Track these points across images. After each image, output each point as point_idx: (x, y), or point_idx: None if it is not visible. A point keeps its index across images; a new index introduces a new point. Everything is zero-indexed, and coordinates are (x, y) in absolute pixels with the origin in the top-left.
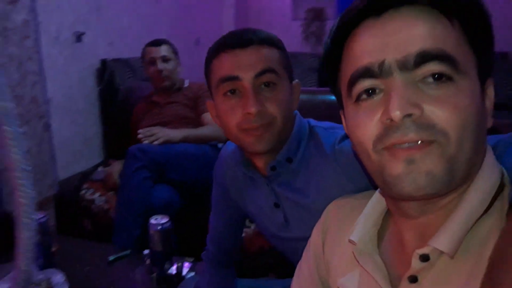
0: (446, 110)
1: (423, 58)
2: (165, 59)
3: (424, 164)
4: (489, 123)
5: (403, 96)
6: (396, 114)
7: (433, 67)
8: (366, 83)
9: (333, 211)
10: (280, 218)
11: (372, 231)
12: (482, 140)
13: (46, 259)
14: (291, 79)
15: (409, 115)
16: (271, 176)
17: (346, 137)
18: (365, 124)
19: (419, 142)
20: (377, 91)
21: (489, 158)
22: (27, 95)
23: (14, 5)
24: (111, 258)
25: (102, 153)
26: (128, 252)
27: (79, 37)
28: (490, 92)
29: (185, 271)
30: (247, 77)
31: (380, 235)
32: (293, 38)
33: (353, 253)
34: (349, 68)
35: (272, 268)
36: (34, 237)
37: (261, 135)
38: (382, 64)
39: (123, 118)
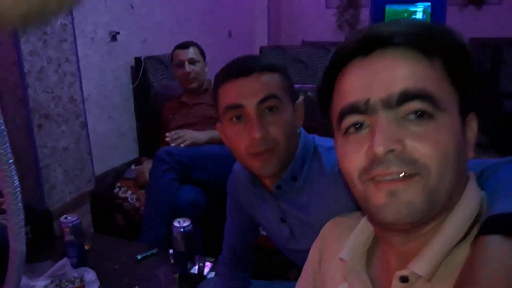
0: (427, 146)
1: (405, 97)
2: (192, 61)
3: (406, 195)
4: (470, 154)
5: (386, 132)
6: (380, 149)
7: (415, 105)
8: (353, 119)
9: (329, 230)
10: (286, 232)
11: (361, 250)
12: (462, 171)
13: (79, 258)
14: (294, 100)
15: (392, 150)
16: (277, 193)
17: None
18: (352, 156)
19: (402, 175)
20: (364, 125)
21: (471, 187)
22: (65, 96)
23: None
24: (139, 256)
25: (136, 148)
26: (155, 250)
27: (114, 36)
28: (473, 124)
29: (206, 270)
30: (250, 104)
31: (371, 253)
32: (327, 27)
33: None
34: (339, 103)
35: (293, 266)
36: (22, 222)
37: (267, 160)
38: (367, 102)
39: (155, 114)
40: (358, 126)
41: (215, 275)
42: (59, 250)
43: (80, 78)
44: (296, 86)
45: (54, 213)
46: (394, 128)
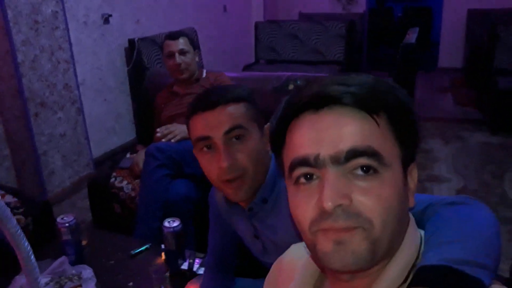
0: (371, 200)
1: (353, 154)
2: (182, 52)
3: (350, 245)
4: (411, 202)
5: (335, 188)
6: (328, 205)
7: (362, 161)
8: (304, 170)
9: (278, 268)
10: (260, 247)
11: (308, 284)
12: (404, 220)
13: (77, 255)
14: (261, 125)
15: (340, 205)
16: (249, 214)
17: None
18: (303, 207)
19: (346, 227)
20: (314, 177)
21: (410, 232)
22: (60, 83)
23: None
24: (133, 252)
25: (133, 128)
26: (148, 245)
27: (106, 19)
28: (414, 174)
29: (196, 267)
30: (217, 136)
31: (319, 286)
32: None
33: None
34: (290, 153)
35: None
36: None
37: (237, 187)
38: (317, 157)
39: (150, 99)
40: (309, 177)
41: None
42: (58, 248)
43: (74, 64)
44: (286, 74)
45: (55, 197)
46: (341, 183)
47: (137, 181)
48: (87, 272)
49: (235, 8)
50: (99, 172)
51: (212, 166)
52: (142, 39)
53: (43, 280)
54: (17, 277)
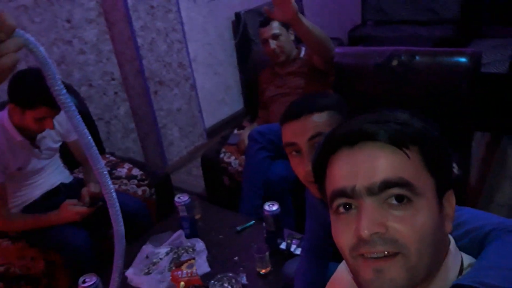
0: (406, 228)
1: (386, 185)
2: (275, 36)
3: (389, 273)
4: (448, 228)
5: (371, 217)
6: (365, 233)
7: (395, 191)
8: (342, 201)
9: (335, 278)
10: None
11: None
12: (441, 245)
13: (191, 229)
14: None
15: (376, 233)
16: None
17: None
18: (343, 235)
19: (386, 253)
20: (352, 206)
21: (450, 257)
22: (174, 62)
23: None
24: (238, 228)
25: (241, 99)
26: (252, 222)
27: None
28: (451, 200)
29: (293, 247)
30: (301, 142)
31: None
32: None
33: None
34: (330, 186)
35: None
36: (118, 209)
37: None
38: (353, 188)
39: (255, 74)
40: (348, 207)
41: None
42: (176, 222)
43: (186, 44)
44: (390, 49)
45: (174, 165)
46: (377, 212)
47: (243, 157)
48: (200, 245)
49: None
50: (210, 147)
51: (299, 168)
52: (248, 12)
53: (164, 249)
54: (144, 246)
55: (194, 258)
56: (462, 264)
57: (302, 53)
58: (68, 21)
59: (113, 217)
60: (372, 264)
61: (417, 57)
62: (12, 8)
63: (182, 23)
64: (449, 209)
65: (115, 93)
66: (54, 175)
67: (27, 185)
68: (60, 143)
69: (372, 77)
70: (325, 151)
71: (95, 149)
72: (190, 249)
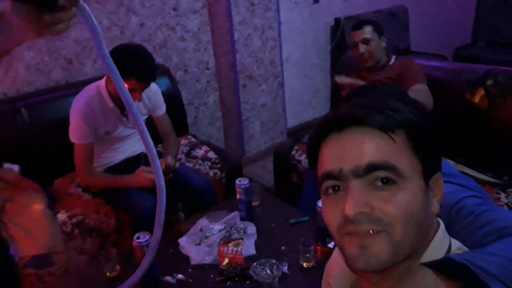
0: (391, 207)
1: (371, 168)
2: (365, 41)
3: (373, 249)
4: (435, 209)
5: (356, 198)
6: (350, 213)
7: (380, 174)
8: (330, 183)
9: (330, 262)
10: None
11: (346, 280)
12: (427, 225)
13: (247, 213)
14: None
15: (361, 212)
16: None
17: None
18: (331, 214)
19: (370, 231)
20: (341, 188)
21: (438, 237)
22: (267, 59)
23: None
24: (292, 221)
25: (328, 104)
26: (306, 218)
27: None
28: (440, 183)
29: None
30: None
31: (356, 286)
32: None
33: None
34: (319, 169)
35: None
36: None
37: None
38: (341, 171)
39: (342, 71)
40: (336, 189)
41: None
42: (234, 204)
43: (280, 42)
44: (485, 67)
45: (251, 158)
46: (362, 193)
47: None
48: (252, 228)
49: None
50: (284, 144)
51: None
52: (348, 18)
53: (218, 226)
54: (200, 220)
55: (242, 239)
56: (450, 247)
57: (392, 61)
58: (175, 9)
59: (154, 170)
60: (357, 240)
61: None
62: None
63: (279, 22)
64: (437, 191)
65: (208, 82)
66: (137, 144)
67: (112, 149)
68: (146, 116)
69: (461, 94)
70: (316, 137)
71: (132, 102)
72: (242, 231)
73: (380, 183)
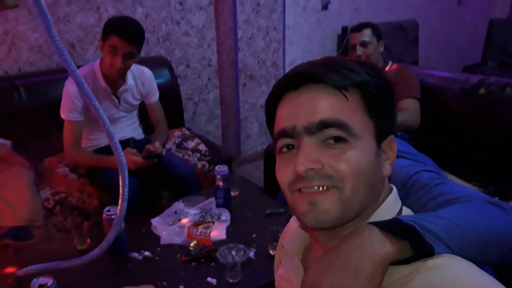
0: (341, 164)
1: (323, 125)
2: (364, 44)
3: (323, 205)
4: (386, 171)
5: (307, 155)
6: (301, 168)
7: (331, 131)
8: (284, 141)
9: (285, 230)
10: None
11: (299, 242)
12: (377, 186)
13: (224, 200)
14: None
15: (312, 169)
16: None
17: None
18: (283, 172)
19: (320, 188)
20: (294, 146)
21: (389, 201)
22: (269, 60)
23: None
24: (268, 211)
25: None
26: (282, 210)
27: (325, 5)
28: (393, 146)
29: None
30: None
31: (309, 249)
32: None
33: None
34: (275, 128)
35: None
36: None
37: None
38: (293, 128)
39: None
40: (290, 147)
41: None
42: (213, 192)
43: (284, 45)
44: (479, 77)
45: (246, 157)
46: (314, 150)
47: None
48: (226, 215)
49: (472, 2)
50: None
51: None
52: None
53: (194, 211)
54: (176, 203)
55: (213, 223)
56: (400, 212)
57: (388, 67)
58: (181, 3)
59: (114, 149)
60: (307, 197)
61: (508, 89)
62: None
63: (284, 25)
64: (389, 153)
65: (209, 78)
66: (128, 129)
67: (101, 131)
68: (139, 101)
69: (456, 102)
70: (273, 96)
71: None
72: (216, 217)
73: (332, 141)
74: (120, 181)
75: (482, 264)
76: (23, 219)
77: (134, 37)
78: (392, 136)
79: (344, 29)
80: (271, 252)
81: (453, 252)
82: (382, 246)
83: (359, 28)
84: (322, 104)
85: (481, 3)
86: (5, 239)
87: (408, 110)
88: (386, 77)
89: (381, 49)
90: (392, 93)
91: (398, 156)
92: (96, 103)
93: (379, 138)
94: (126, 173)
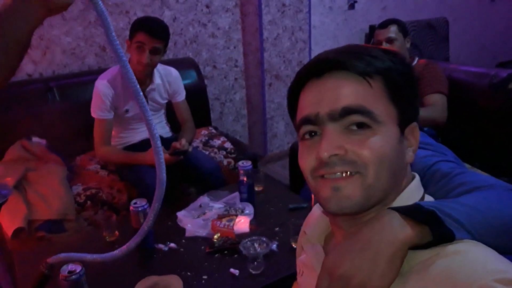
0: (364, 150)
1: (346, 111)
2: (390, 40)
3: (346, 190)
4: (409, 158)
5: (330, 141)
6: (324, 155)
7: (355, 118)
8: (307, 128)
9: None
10: None
11: (321, 229)
12: (400, 172)
13: (248, 195)
14: None
15: (335, 155)
16: None
17: None
18: (306, 158)
19: (343, 174)
20: (317, 133)
21: (411, 187)
22: (295, 60)
23: None
24: (291, 206)
25: None
26: (305, 205)
27: (352, 5)
28: (416, 132)
29: None
30: None
31: (331, 236)
32: None
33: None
34: (298, 115)
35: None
36: (162, 157)
37: None
38: (317, 115)
39: None
40: (313, 134)
41: None
42: (237, 186)
43: (310, 45)
44: (509, 71)
45: (273, 156)
46: (337, 136)
47: None
48: (250, 209)
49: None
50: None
51: None
52: None
53: (218, 205)
54: (201, 197)
55: (237, 216)
56: (423, 199)
57: (415, 62)
58: (207, 6)
59: (157, 163)
60: (331, 183)
61: None
62: None
63: (310, 25)
64: (412, 141)
65: (235, 79)
66: (156, 127)
67: (130, 129)
68: (166, 101)
69: (484, 97)
70: (296, 84)
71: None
72: (240, 211)
73: (355, 127)
74: (157, 180)
75: (502, 251)
76: (57, 213)
77: (159, 32)
78: (415, 123)
79: (372, 28)
80: (293, 245)
81: (474, 237)
82: (402, 231)
83: (385, 24)
84: (346, 90)
85: None
86: (39, 232)
87: (435, 105)
88: (409, 65)
89: (408, 45)
90: (415, 81)
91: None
92: (141, 94)
93: (402, 125)
94: (164, 176)
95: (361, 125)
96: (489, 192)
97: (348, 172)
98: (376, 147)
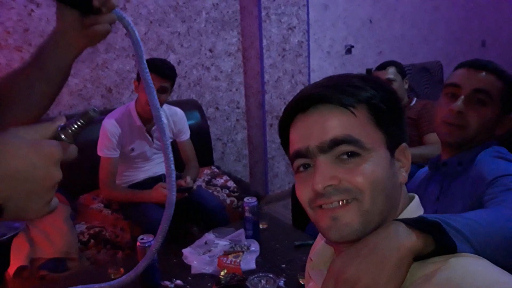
0: (357, 177)
1: (334, 142)
2: (388, 81)
3: (344, 219)
4: (403, 178)
5: (323, 172)
6: (319, 187)
7: (344, 148)
8: (300, 161)
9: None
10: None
11: (326, 254)
12: (395, 194)
13: (253, 231)
14: None
15: (330, 185)
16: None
17: None
18: (302, 190)
19: (340, 202)
20: (310, 165)
21: (411, 208)
22: None
23: (292, 30)
24: (297, 243)
25: None
26: (311, 242)
27: (349, 49)
28: (406, 153)
29: None
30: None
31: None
32: None
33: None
34: (290, 149)
35: None
36: (174, 178)
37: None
38: (307, 148)
39: None
40: (307, 166)
41: None
42: (242, 224)
43: None
44: None
45: (274, 196)
46: (329, 167)
47: None
48: (255, 245)
49: (497, 44)
50: None
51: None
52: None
53: (223, 242)
54: (207, 234)
55: (243, 252)
56: None
57: (413, 102)
58: (211, 50)
59: (168, 184)
60: (329, 213)
61: None
62: (168, 33)
63: (309, 68)
64: (404, 161)
65: (237, 120)
66: (160, 166)
67: (135, 168)
68: (171, 140)
69: None
70: (284, 120)
71: (160, 114)
72: (245, 247)
73: (345, 157)
74: (164, 215)
75: (502, 265)
76: (60, 252)
77: (166, 72)
78: (404, 144)
79: (369, 71)
80: (301, 281)
81: (476, 250)
82: (408, 238)
83: (383, 66)
84: (332, 122)
85: (505, 45)
86: (42, 271)
87: (433, 144)
88: (391, 89)
89: (406, 86)
90: (398, 103)
91: (506, 159)
92: (162, 121)
93: (391, 147)
94: (171, 212)
95: (350, 154)
96: (495, 209)
97: (345, 200)
98: (368, 173)
